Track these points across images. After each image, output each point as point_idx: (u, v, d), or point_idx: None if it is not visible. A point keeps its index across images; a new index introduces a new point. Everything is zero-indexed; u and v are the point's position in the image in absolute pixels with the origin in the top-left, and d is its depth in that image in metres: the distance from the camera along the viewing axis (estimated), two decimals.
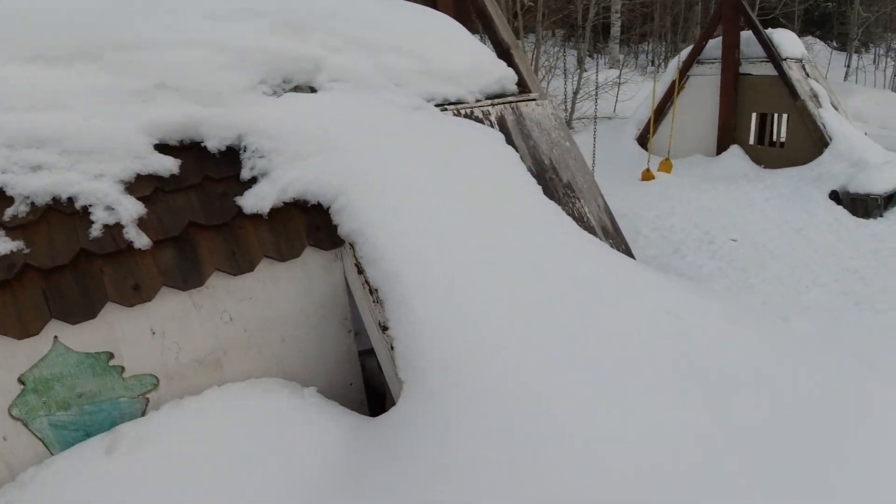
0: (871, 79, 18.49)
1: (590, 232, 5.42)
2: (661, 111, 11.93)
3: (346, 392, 4.21)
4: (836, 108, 10.61)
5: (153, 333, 3.03)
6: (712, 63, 11.16)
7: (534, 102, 5.67)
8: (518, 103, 5.57)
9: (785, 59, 10.29)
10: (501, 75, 5.51)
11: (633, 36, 18.53)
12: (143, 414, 3.03)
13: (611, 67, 16.64)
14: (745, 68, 10.87)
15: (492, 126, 4.92)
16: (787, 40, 10.35)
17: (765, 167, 10.86)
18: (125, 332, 2.94)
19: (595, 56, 19.18)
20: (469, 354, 3.16)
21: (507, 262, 3.74)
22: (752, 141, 11.08)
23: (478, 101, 4.95)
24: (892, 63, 18.32)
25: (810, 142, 10.27)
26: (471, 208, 4.04)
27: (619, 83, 13.63)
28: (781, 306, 5.50)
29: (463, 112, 5.03)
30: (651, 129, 11.51)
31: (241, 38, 4.01)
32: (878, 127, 15.04)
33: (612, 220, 5.84)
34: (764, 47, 10.38)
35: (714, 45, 11.11)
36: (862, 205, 8.17)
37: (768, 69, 10.50)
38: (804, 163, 10.14)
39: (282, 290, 3.39)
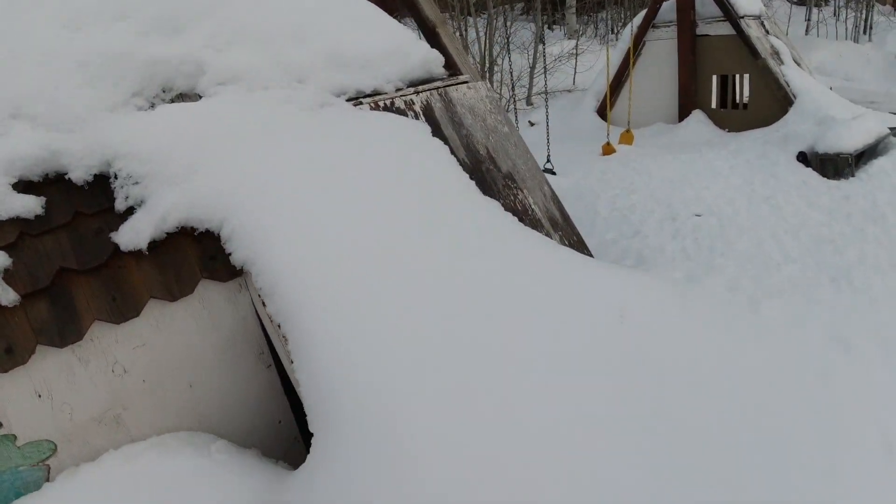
0: (832, 32, 17.99)
1: (536, 226, 4.89)
2: (618, 81, 11.34)
3: (275, 431, 3.74)
4: (798, 65, 10.08)
5: (39, 396, 2.71)
6: (668, 27, 10.58)
7: (465, 86, 5.06)
8: (447, 88, 4.95)
9: (742, 17, 9.72)
10: (425, 58, 4.90)
11: (591, 4, 17.92)
12: (48, 480, 2.76)
13: (569, 38, 16.02)
14: (703, 29, 10.29)
15: (416, 117, 4.44)
16: None
17: (729, 131, 10.34)
18: (9, 398, 2.65)
19: (553, 28, 18.54)
20: (381, 402, 2.69)
21: (429, 280, 3.26)
22: (714, 104, 10.55)
23: (398, 89, 4.45)
24: (853, 14, 17.86)
25: (774, 101, 9.75)
26: (388, 219, 3.55)
27: (577, 54, 13.00)
28: (750, 289, 4.99)
29: (382, 104, 4.40)
30: (608, 101, 10.93)
31: (105, 47, 3.43)
32: (843, 80, 14.59)
33: (562, 210, 5.29)
34: (720, 6, 9.80)
35: (669, 8, 10.52)
36: (832, 165, 7.67)
37: (726, 28, 9.94)
38: (769, 123, 9.64)
39: (180, 330, 3.02)
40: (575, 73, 13.55)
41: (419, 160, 4.15)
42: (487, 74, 13.54)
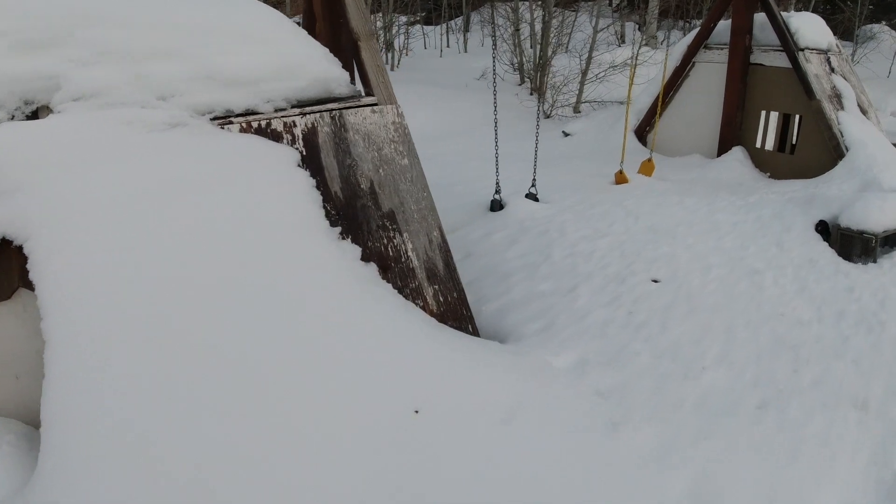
0: None
1: (404, 277, 4.23)
2: (663, 100, 9.85)
3: None
4: (865, 113, 8.29)
5: None
6: (722, 49, 8.99)
7: (368, 109, 4.37)
8: (343, 111, 4.22)
9: (802, 50, 8.04)
10: (322, 77, 4.20)
11: (675, 8, 15.89)
12: None
13: (645, 44, 14.31)
14: (757, 57, 8.66)
15: (292, 142, 3.90)
16: (808, 26, 8.09)
17: (770, 176, 8.74)
18: None
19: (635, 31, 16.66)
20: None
21: (208, 341, 2.95)
22: (759, 143, 8.92)
23: (279, 110, 3.92)
24: None
25: (824, 151, 8.08)
26: (189, 259, 3.15)
27: (635, 64, 11.46)
28: (643, 399, 3.85)
29: (256, 125, 3.78)
30: (655, 119, 9.52)
31: None
32: None
33: (447, 260, 4.41)
34: (778, 34, 8.15)
35: (725, 28, 8.91)
36: (852, 244, 6.14)
37: (783, 60, 8.29)
38: (815, 175, 8.01)
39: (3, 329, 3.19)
40: (631, 83, 11.99)
41: (267, 191, 3.57)
42: (539, 74, 12.33)
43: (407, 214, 4.39)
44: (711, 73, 9.18)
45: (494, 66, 7.03)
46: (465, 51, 16.06)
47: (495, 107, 6.89)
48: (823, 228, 6.43)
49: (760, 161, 8.87)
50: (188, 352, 2.87)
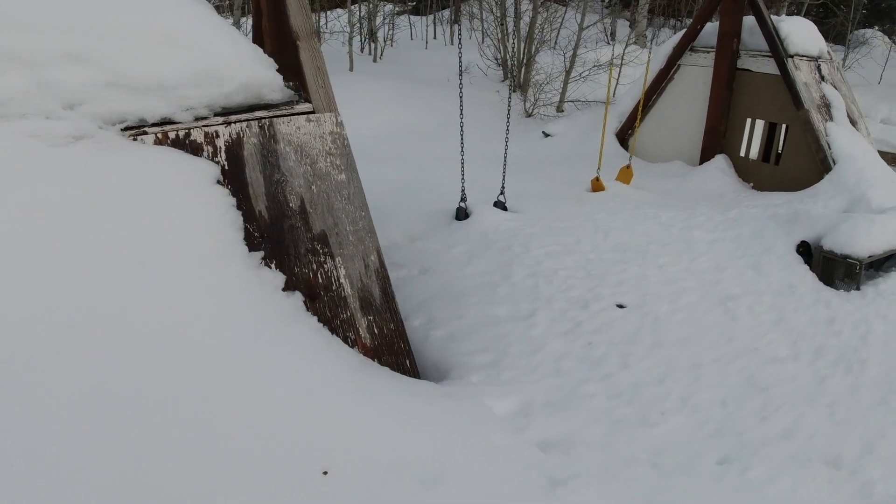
0: None
1: (334, 306, 3.74)
2: (647, 104, 9.35)
3: None
4: (854, 124, 7.80)
5: None
6: (708, 52, 8.47)
7: (303, 118, 3.83)
8: (274, 119, 3.72)
9: (792, 56, 7.54)
10: (250, 81, 3.69)
11: (667, 6, 15.26)
12: None
13: (635, 42, 13.75)
14: (745, 62, 8.15)
15: (213, 154, 3.48)
16: (798, 32, 7.58)
17: (754, 187, 8.26)
18: None
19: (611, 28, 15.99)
20: None
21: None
22: (743, 152, 8.43)
23: (200, 118, 3.49)
24: None
25: (811, 163, 7.61)
26: (65, 298, 2.67)
27: (621, 63, 10.91)
28: (591, 452, 3.38)
29: (173, 135, 3.37)
30: (637, 122, 9.02)
31: None
32: None
33: (384, 287, 3.92)
34: (767, 38, 7.64)
35: (713, 31, 8.39)
36: (833, 268, 5.68)
37: (771, 67, 7.78)
38: (800, 187, 7.54)
39: None
40: (617, 83, 11.48)
41: (164, 216, 3.15)
42: (523, 71, 11.77)
43: (341, 236, 3.89)
44: (697, 77, 8.67)
45: (461, 62, 6.53)
46: (452, 43, 15.48)
47: (461, 108, 6.37)
48: (805, 250, 5.97)
49: (744, 170, 8.39)
50: (41, 413, 2.39)
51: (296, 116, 3.81)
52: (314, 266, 3.70)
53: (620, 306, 5.06)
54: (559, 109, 11.65)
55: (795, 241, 6.05)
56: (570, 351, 4.46)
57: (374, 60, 13.85)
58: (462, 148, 6.56)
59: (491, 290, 5.32)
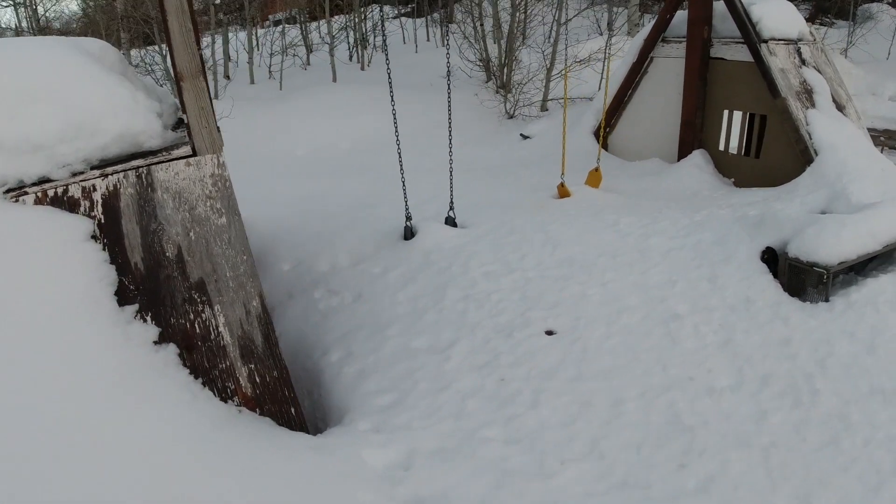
0: None
1: (212, 356, 3.47)
2: (620, 100, 8.69)
3: None
4: (842, 109, 7.02)
5: None
6: (680, 42, 7.77)
7: (182, 162, 3.64)
8: (152, 167, 3.56)
9: (766, 41, 6.79)
10: (126, 131, 3.55)
11: None
12: None
13: (627, 34, 12.95)
14: (718, 51, 7.43)
15: (90, 209, 3.37)
16: (773, 14, 6.84)
17: (735, 183, 7.54)
18: None
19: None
20: None
21: None
22: (721, 146, 7.71)
23: (77, 174, 3.38)
24: None
25: (791, 155, 6.88)
26: None
27: (607, 56, 10.14)
28: None
29: (51, 194, 3.29)
30: (602, 124, 8.38)
31: None
32: None
33: (266, 333, 3.63)
34: (737, 23, 6.91)
35: (684, 19, 7.68)
36: (798, 277, 5.00)
37: (746, 53, 7.04)
38: (783, 182, 6.82)
39: None
40: (605, 77, 10.75)
41: (25, 279, 3.01)
42: (505, 70, 11.17)
43: (220, 283, 3.63)
44: (670, 69, 7.97)
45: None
46: (444, 45, 14.94)
47: (395, 118, 5.89)
48: (770, 257, 5.29)
49: (724, 166, 7.67)
50: None
51: (174, 162, 3.55)
52: (191, 315, 3.46)
53: (549, 333, 4.52)
54: (543, 108, 11.03)
55: (760, 247, 5.37)
56: (480, 388, 3.96)
57: (363, 69, 13.45)
58: (401, 164, 6.07)
59: (417, 318, 4.85)
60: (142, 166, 3.47)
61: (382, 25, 6.02)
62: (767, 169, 7.19)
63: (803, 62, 6.98)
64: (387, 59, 5.89)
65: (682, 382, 3.98)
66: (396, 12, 16.29)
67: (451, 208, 6.37)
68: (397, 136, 6.01)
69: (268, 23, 20.80)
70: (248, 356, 3.59)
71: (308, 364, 4.87)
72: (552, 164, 8.93)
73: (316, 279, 5.96)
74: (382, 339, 4.68)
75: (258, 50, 13.60)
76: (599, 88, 10.82)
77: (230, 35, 12.73)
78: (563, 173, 7.25)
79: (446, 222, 6.37)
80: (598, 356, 4.23)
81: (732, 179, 7.57)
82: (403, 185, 6.10)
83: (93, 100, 3.46)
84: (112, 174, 3.39)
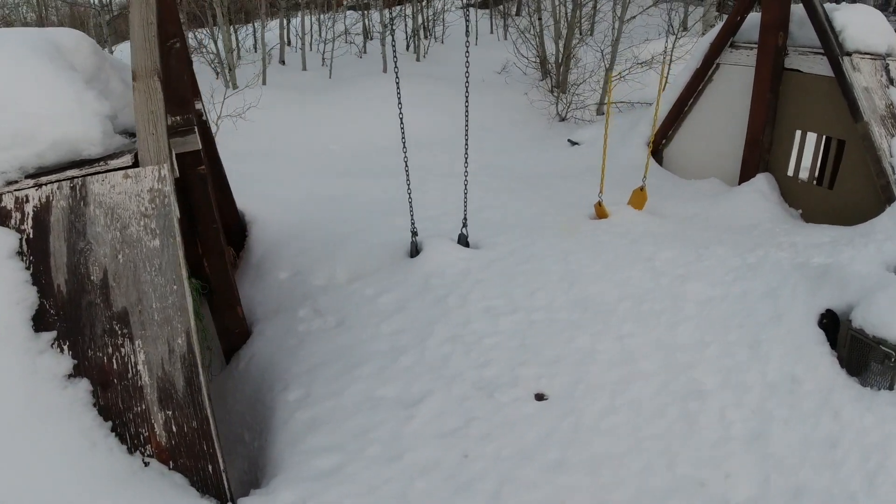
0: None
1: (125, 398, 2.99)
2: (679, 110, 7.62)
3: None
4: None
5: None
6: (751, 49, 6.62)
7: (121, 174, 3.22)
8: (88, 178, 3.20)
9: (850, 54, 5.61)
10: (65, 138, 3.21)
11: None
12: None
13: (703, 35, 11.54)
14: (794, 61, 6.26)
15: (21, 221, 3.07)
16: (858, 22, 5.63)
17: (802, 215, 6.40)
18: None
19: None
20: None
21: None
22: (791, 171, 6.55)
23: (11, 182, 3.09)
24: None
25: (870, 190, 5.70)
26: None
27: (670, 59, 8.95)
28: None
29: None
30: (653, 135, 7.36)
31: None
32: None
33: (190, 377, 3.20)
34: (817, 30, 5.74)
35: (756, 23, 6.51)
36: (861, 354, 3.98)
37: (825, 67, 5.87)
38: (860, 220, 5.67)
39: None
40: (665, 81, 9.56)
41: None
42: (562, 69, 10.17)
43: (145, 315, 3.11)
44: (738, 79, 6.84)
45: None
46: (506, 38, 13.99)
47: (401, 121, 5.20)
48: (831, 322, 4.27)
49: (791, 194, 6.52)
50: None
51: (112, 173, 3.15)
52: (110, 349, 2.98)
53: (539, 397, 3.75)
54: (599, 112, 10.00)
55: (820, 308, 4.36)
56: (438, 463, 3.25)
57: (417, 60, 12.73)
58: (407, 174, 5.39)
59: (393, 358, 4.18)
60: (77, 177, 3.09)
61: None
62: (841, 203, 6.02)
63: (891, 81, 5.74)
64: (395, 54, 5.16)
65: (690, 488, 3.14)
66: (463, 2, 15.41)
67: (465, 225, 5.63)
68: (404, 143, 5.33)
69: (342, 7, 20.37)
70: (166, 401, 3.03)
71: (267, 398, 4.30)
72: (597, 176, 7.99)
73: (307, 294, 5.38)
74: (349, 380, 4.04)
75: (317, 36, 13.14)
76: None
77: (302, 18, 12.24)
78: (601, 191, 6.35)
79: (459, 241, 5.65)
80: (591, 437, 3.43)
81: (800, 211, 6.43)
82: (409, 197, 5.41)
83: (33, 105, 3.12)
84: (47, 184, 3.04)
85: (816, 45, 5.88)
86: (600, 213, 6.38)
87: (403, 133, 5.29)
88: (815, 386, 3.80)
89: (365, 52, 13.10)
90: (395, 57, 5.11)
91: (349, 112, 10.23)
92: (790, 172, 6.56)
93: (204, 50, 10.85)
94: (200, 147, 4.40)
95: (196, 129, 4.33)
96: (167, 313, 3.07)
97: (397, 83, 5.12)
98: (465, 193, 5.55)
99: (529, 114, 10.03)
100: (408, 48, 13.52)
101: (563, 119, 9.81)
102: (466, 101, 5.64)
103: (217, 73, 10.90)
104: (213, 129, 9.21)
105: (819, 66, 5.95)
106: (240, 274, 6.28)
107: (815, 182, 6.38)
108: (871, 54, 5.71)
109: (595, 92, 9.93)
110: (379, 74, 11.68)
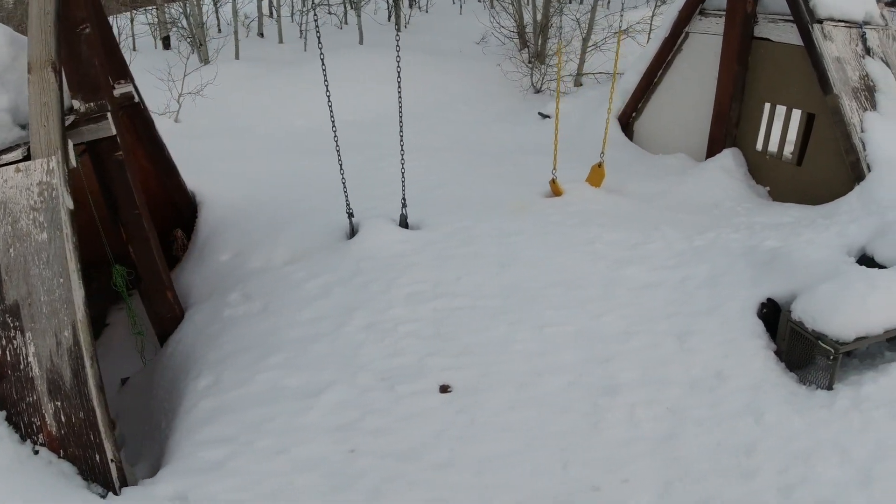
0: None
1: (19, 388, 2.94)
2: (649, 81, 7.12)
3: None
4: None
5: None
6: (721, 16, 6.09)
7: (12, 168, 3.12)
8: None
9: (821, 21, 5.09)
10: None
11: None
12: None
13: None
14: (764, 29, 5.74)
15: None
16: None
17: (770, 192, 5.95)
18: None
19: None
20: None
21: None
22: (760, 146, 6.08)
23: None
24: None
25: (839, 166, 5.25)
26: None
27: (621, 29, 8.22)
28: None
29: None
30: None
31: None
32: None
33: (77, 369, 3.25)
34: None
35: None
36: (801, 349, 3.60)
37: (796, 35, 5.35)
38: (830, 198, 5.23)
39: None
40: (617, 57, 8.92)
41: None
42: (540, 38, 9.62)
43: (34, 308, 3.05)
44: (708, 48, 6.33)
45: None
46: (493, 7, 13.35)
47: (329, 100, 4.83)
48: (770, 312, 3.89)
49: (759, 170, 6.07)
50: None
51: (4, 168, 3.07)
52: (3, 342, 2.96)
53: (444, 389, 3.44)
54: (577, 83, 9.46)
55: (760, 297, 3.97)
56: (323, 459, 2.99)
57: (399, 30, 12.15)
58: (338, 152, 5.02)
59: (306, 346, 3.89)
60: None
61: None
62: (809, 180, 5.57)
63: (868, 51, 5.22)
64: (318, 29, 4.76)
65: (582, 493, 2.82)
66: None
67: (404, 205, 5.27)
68: (334, 123, 4.96)
69: None
70: (55, 392, 2.99)
71: (181, 386, 4.06)
72: (564, 151, 7.54)
73: (242, 277, 5.09)
74: (260, 369, 3.77)
75: (298, 7, 12.62)
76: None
77: None
78: (554, 168, 5.93)
79: (400, 222, 5.30)
80: (485, 434, 3.13)
81: (768, 188, 5.97)
82: (342, 176, 5.05)
83: None
84: None
85: (787, 12, 5.36)
86: (555, 190, 5.98)
87: (332, 111, 4.93)
88: (742, 384, 3.44)
89: (346, 23, 12.58)
90: (317, 33, 4.69)
91: (320, 86, 9.78)
92: (759, 147, 6.09)
93: (178, 25, 10.44)
94: (114, 133, 4.13)
95: (109, 116, 4.06)
96: (54, 306, 3.09)
97: (323, 70, 4.71)
98: (403, 172, 5.16)
99: (505, 86, 9.54)
100: (389, 18, 12.97)
101: (538, 91, 9.31)
102: (399, 89, 5.26)
103: (192, 49, 10.50)
104: (176, 106, 8.85)
105: (789, 34, 5.44)
106: (186, 256, 6.01)
107: (782, 158, 5.91)
108: (846, 22, 5.19)
109: (570, 62, 9.40)
110: (356, 46, 11.20)
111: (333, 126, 4.95)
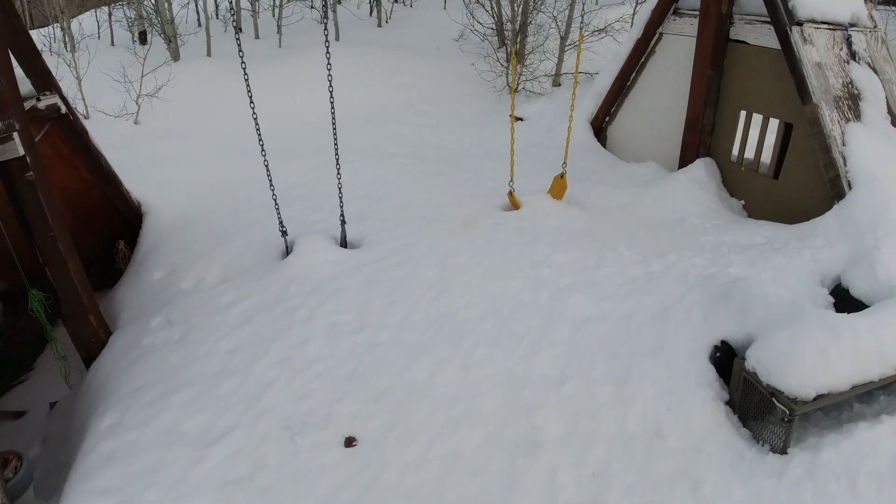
0: None
1: None
2: (622, 85, 6.58)
3: None
4: None
5: None
6: (696, 16, 5.53)
7: None
8: None
9: (801, 23, 4.53)
10: None
11: None
12: None
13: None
14: (740, 31, 5.18)
15: None
16: None
17: (745, 207, 5.43)
18: None
19: None
20: None
21: None
22: (734, 156, 5.54)
23: None
24: None
25: (817, 182, 4.71)
26: None
27: (584, 27, 7.61)
28: None
29: None
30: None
31: None
32: None
33: None
34: None
35: None
36: (753, 402, 3.11)
37: (774, 38, 4.80)
38: (802, 217, 4.71)
39: None
40: (579, 61, 8.30)
41: None
42: (519, 38, 9.06)
43: None
44: (682, 50, 5.78)
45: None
46: (477, 1, 12.72)
47: (251, 102, 4.34)
48: (724, 358, 3.38)
49: (734, 182, 5.54)
50: None
51: None
52: None
53: (349, 442, 2.99)
54: (555, 83, 8.91)
55: (713, 338, 3.46)
56: None
57: (379, 26, 11.65)
58: (266, 163, 4.52)
59: (215, 384, 3.45)
60: None
61: None
62: (786, 195, 5.04)
63: (853, 56, 4.65)
64: (238, 36, 4.26)
65: None
66: None
67: (343, 222, 4.78)
68: (258, 128, 4.45)
69: None
70: None
71: (87, 423, 3.62)
72: (532, 157, 7.03)
73: (170, 299, 4.63)
74: (162, 408, 3.32)
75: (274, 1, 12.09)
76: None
77: None
78: (511, 179, 5.42)
79: (340, 241, 4.82)
80: (384, 499, 2.66)
81: (742, 202, 5.45)
82: (273, 192, 4.55)
83: None
84: None
85: (764, 13, 4.80)
86: (513, 202, 5.48)
87: (258, 122, 4.41)
88: (683, 443, 2.96)
89: (326, 17, 12.01)
90: (236, 30, 4.18)
91: (283, 86, 9.27)
92: (733, 158, 5.55)
93: (149, 20, 9.95)
94: (22, 153, 3.65)
95: (16, 136, 3.59)
96: None
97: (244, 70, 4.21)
98: (339, 188, 4.66)
99: (480, 86, 8.99)
100: (371, 12, 12.39)
101: (515, 91, 8.74)
102: (331, 98, 4.74)
103: (166, 45, 10.01)
104: (135, 108, 8.35)
105: (766, 37, 4.89)
106: (126, 271, 5.55)
107: (758, 170, 5.37)
108: (830, 24, 4.62)
109: (547, 61, 8.82)
110: (333, 43, 10.64)
111: (260, 140, 4.44)
